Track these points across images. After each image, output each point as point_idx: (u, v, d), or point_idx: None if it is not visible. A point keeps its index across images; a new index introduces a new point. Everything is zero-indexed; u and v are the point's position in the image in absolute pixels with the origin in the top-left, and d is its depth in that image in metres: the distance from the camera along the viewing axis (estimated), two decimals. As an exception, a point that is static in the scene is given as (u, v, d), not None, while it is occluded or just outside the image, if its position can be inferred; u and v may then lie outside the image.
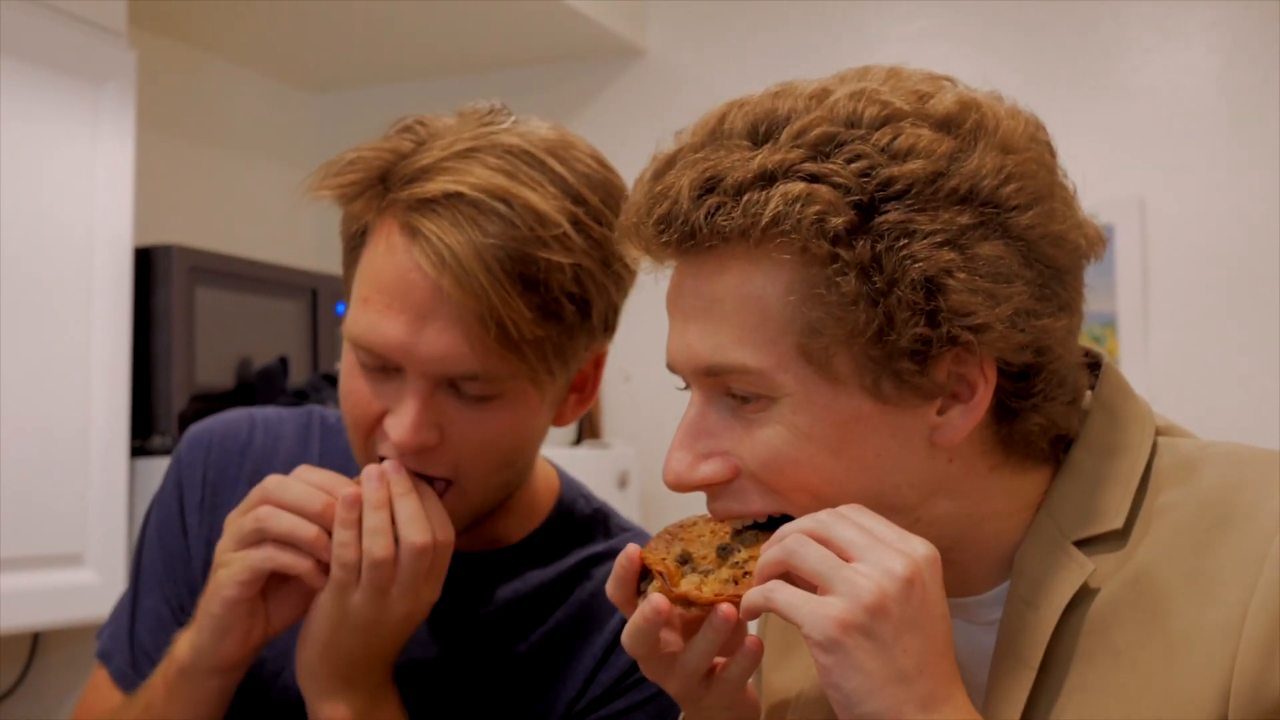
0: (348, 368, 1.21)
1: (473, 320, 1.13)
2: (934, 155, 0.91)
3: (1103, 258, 0.99)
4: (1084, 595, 0.95)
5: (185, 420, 2.53)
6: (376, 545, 1.15)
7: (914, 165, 0.91)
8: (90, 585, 2.37)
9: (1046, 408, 0.97)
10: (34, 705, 2.63)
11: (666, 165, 0.97)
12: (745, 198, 0.91)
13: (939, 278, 0.90)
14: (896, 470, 0.95)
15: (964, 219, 0.91)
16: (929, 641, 0.87)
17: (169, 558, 1.36)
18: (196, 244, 2.69)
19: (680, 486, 0.97)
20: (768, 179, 0.91)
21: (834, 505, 0.93)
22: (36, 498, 2.31)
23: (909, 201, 0.91)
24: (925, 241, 0.90)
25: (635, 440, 3.37)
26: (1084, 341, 1.03)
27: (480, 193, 1.13)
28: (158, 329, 2.55)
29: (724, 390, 0.96)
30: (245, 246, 3.09)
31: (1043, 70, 3.12)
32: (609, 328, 1.23)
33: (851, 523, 0.90)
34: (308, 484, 1.19)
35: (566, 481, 1.39)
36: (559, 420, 1.27)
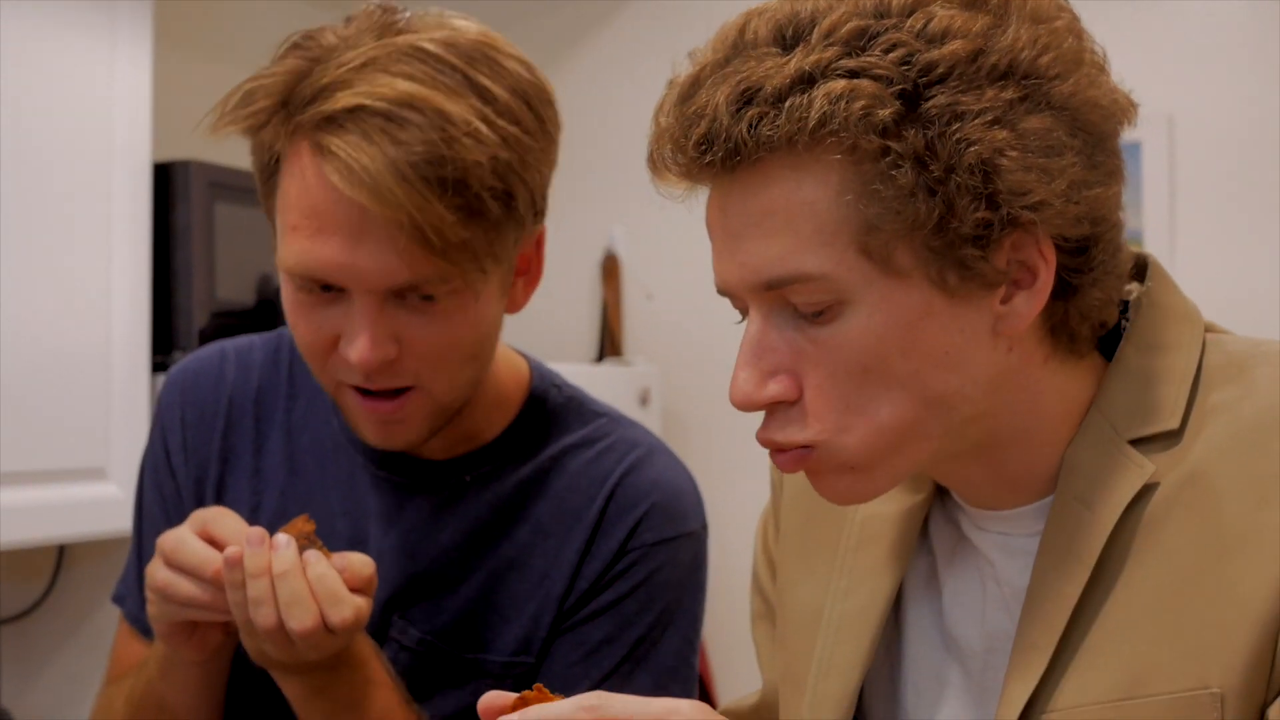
0: (290, 302, 1.18)
1: (398, 232, 1.10)
2: (970, 34, 0.89)
3: (1135, 123, 0.97)
4: (1140, 495, 0.95)
5: (206, 336, 2.54)
6: (260, 615, 1.13)
7: (953, 46, 0.89)
8: (113, 499, 2.39)
9: (1105, 281, 0.97)
10: (60, 617, 2.66)
11: (693, 86, 0.94)
12: (788, 103, 0.89)
13: (993, 158, 0.88)
14: (963, 367, 0.93)
15: (1008, 94, 0.89)
16: None
17: (164, 502, 1.39)
18: (215, 159, 2.68)
19: (748, 406, 0.95)
20: (807, 81, 0.89)
21: (897, 422, 0.93)
22: (59, 413, 2.32)
23: (953, 84, 0.88)
24: (976, 122, 0.88)
25: (657, 358, 3.37)
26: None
27: (385, 102, 1.10)
28: (178, 245, 2.54)
29: (785, 305, 0.94)
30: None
31: (1071, -16, 3.07)
32: (538, 213, 1.21)
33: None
34: (210, 538, 1.17)
35: (538, 372, 1.37)
36: (512, 307, 1.26)
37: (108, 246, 2.39)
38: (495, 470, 1.30)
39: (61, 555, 2.67)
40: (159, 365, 2.51)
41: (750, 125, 0.90)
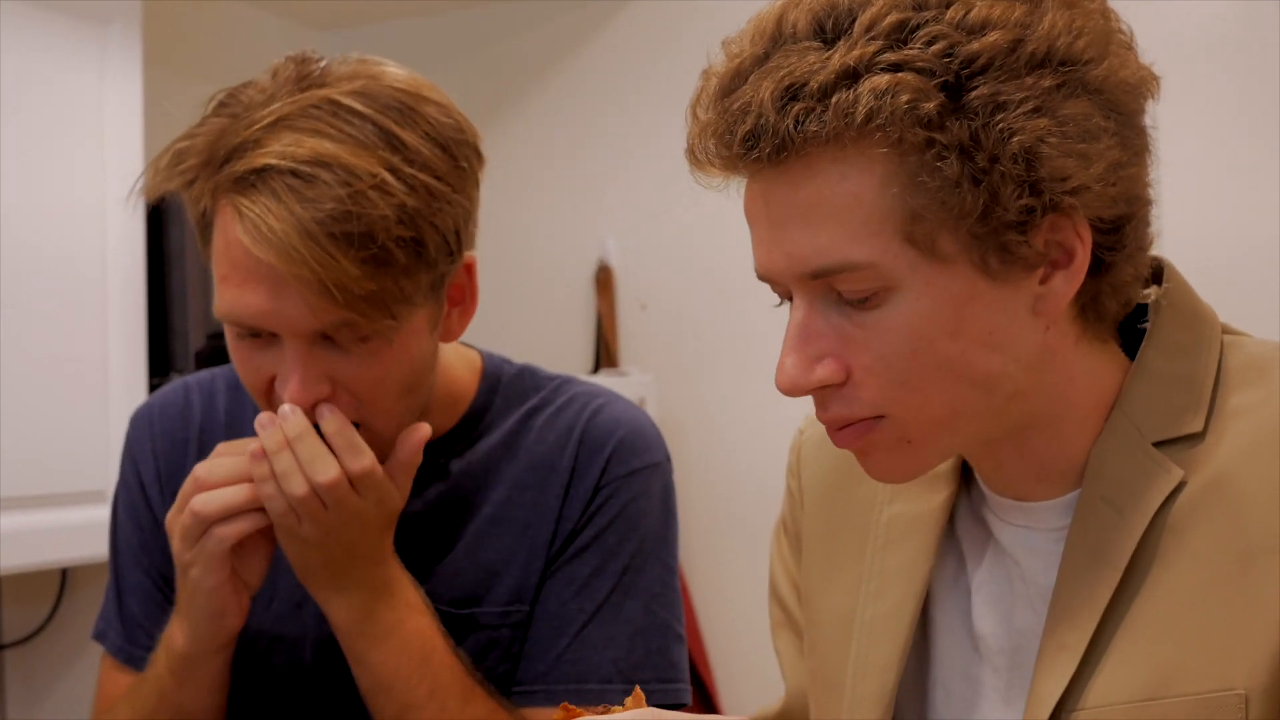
0: (231, 345, 1.25)
1: (305, 287, 1.15)
2: (1009, 24, 0.90)
3: (1158, 97, 0.99)
4: (1167, 498, 0.96)
5: (202, 358, 2.55)
6: (290, 485, 1.20)
7: (992, 37, 0.90)
8: (115, 522, 2.40)
9: (1136, 257, 0.99)
10: (65, 640, 2.68)
11: (734, 79, 0.94)
12: (834, 99, 0.90)
13: (1035, 146, 0.89)
14: (1006, 347, 0.95)
15: (1046, 82, 0.90)
16: None
17: (142, 533, 1.43)
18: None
19: (795, 391, 0.96)
20: (851, 76, 0.90)
21: (947, 400, 0.95)
22: (60, 437, 2.34)
23: (994, 74, 0.90)
24: (1017, 112, 0.89)
25: (651, 368, 3.38)
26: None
27: (292, 161, 1.15)
28: (172, 268, 2.56)
29: (830, 291, 0.95)
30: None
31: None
32: (454, 251, 1.24)
33: None
34: (228, 456, 1.24)
35: (488, 356, 1.44)
36: (447, 336, 1.31)
37: (103, 272, 2.41)
38: (467, 445, 1.38)
39: (65, 578, 2.68)
40: (156, 388, 2.52)
41: (797, 121, 0.90)
